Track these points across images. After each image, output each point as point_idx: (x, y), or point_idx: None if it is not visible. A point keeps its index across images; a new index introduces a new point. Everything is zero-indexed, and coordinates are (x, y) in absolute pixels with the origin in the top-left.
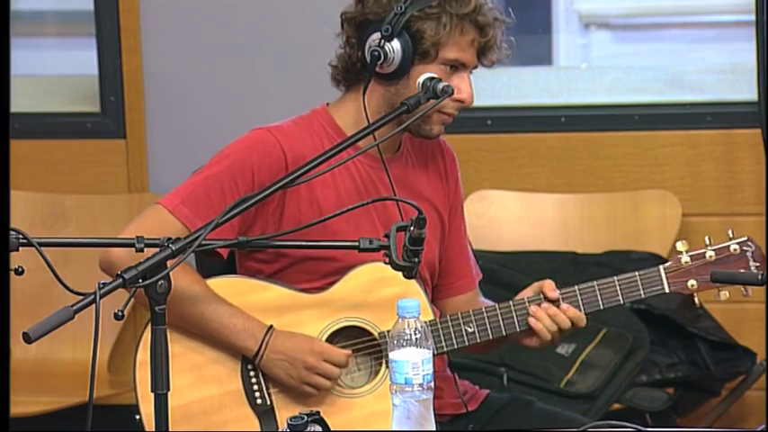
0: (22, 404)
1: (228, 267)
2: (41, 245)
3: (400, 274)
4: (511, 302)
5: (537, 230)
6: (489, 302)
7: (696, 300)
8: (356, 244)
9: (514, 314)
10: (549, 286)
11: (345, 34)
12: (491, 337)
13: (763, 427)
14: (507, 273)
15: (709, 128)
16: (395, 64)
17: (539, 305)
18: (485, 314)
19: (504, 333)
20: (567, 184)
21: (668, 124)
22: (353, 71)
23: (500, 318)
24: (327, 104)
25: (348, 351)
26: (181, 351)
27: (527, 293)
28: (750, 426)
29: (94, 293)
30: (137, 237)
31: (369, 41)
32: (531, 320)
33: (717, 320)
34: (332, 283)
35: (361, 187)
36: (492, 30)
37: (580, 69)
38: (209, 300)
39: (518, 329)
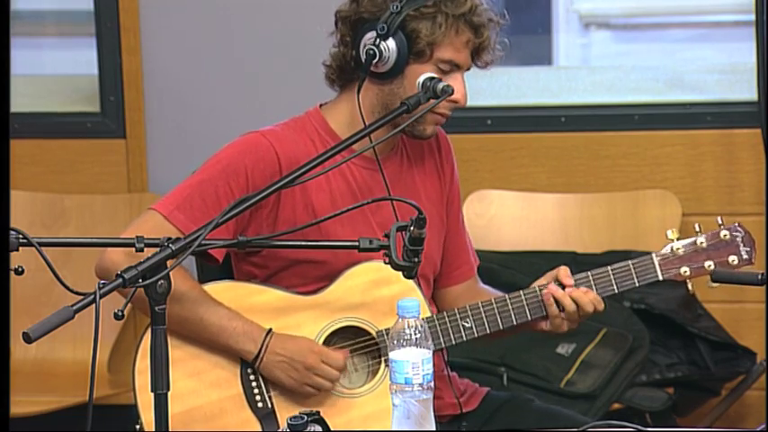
0: (22, 404)
1: (226, 272)
2: (41, 245)
3: (399, 273)
4: (507, 297)
5: (537, 230)
6: (489, 288)
7: (690, 287)
8: (356, 244)
9: (511, 308)
10: (563, 272)
11: (339, 33)
12: (488, 331)
13: (763, 427)
14: (507, 273)
15: (709, 128)
16: (389, 63)
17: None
18: (481, 309)
19: (501, 327)
20: (566, 183)
21: (668, 124)
22: (348, 70)
23: (496, 312)
24: (321, 106)
25: (345, 351)
26: (181, 357)
27: (539, 283)
28: (750, 426)
29: (94, 293)
30: (136, 236)
31: (364, 40)
32: (545, 295)
33: (717, 320)
34: (325, 286)
35: (355, 190)
36: (487, 31)
37: (580, 69)
38: (208, 303)
39: (515, 323)
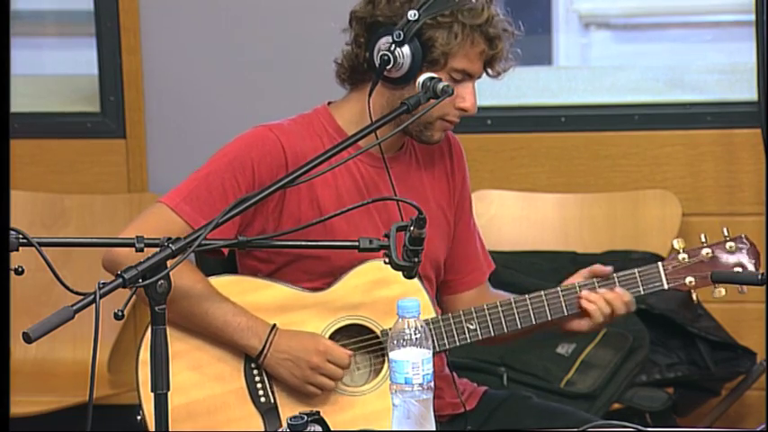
0: (22, 404)
1: (229, 265)
2: (41, 245)
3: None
4: (512, 300)
5: (537, 230)
6: (501, 293)
7: (694, 296)
8: (356, 244)
9: (516, 312)
10: (599, 267)
11: (354, 33)
12: (492, 333)
13: (763, 427)
14: (507, 273)
15: (709, 128)
16: (403, 69)
17: (591, 289)
18: (486, 311)
19: (505, 330)
20: (566, 183)
21: (668, 124)
22: (359, 71)
23: (501, 315)
24: (329, 104)
25: (349, 351)
26: (184, 349)
27: (570, 282)
28: (750, 426)
29: (94, 293)
30: (136, 236)
31: (378, 44)
32: (584, 302)
33: (717, 320)
34: (329, 283)
35: (362, 187)
36: (501, 42)
37: (580, 69)
38: (213, 298)
39: (519, 326)
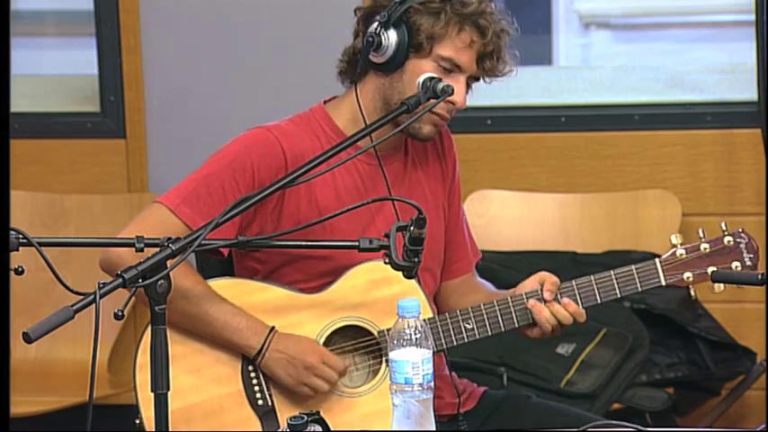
0: (22, 404)
1: (228, 267)
2: (41, 245)
3: (400, 273)
4: (509, 298)
5: (537, 230)
6: (486, 283)
7: (692, 292)
8: (356, 244)
9: (513, 310)
10: (548, 285)
11: (356, 28)
12: (490, 333)
13: (763, 427)
14: (507, 273)
15: (709, 128)
16: (389, 53)
17: (538, 300)
18: (483, 311)
19: (502, 329)
20: (567, 183)
21: (668, 124)
22: (354, 63)
23: (498, 314)
24: (325, 102)
25: (348, 360)
26: (182, 352)
27: (526, 287)
28: (750, 426)
29: (94, 293)
30: (136, 236)
31: (368, 30)
32: (534, 312)
33: (717, 320)
34: (328, 283)
35: (360, 186)
36: (492, 34)
37: (580, 69)
38: (213, 299)
39: (516, 325)
